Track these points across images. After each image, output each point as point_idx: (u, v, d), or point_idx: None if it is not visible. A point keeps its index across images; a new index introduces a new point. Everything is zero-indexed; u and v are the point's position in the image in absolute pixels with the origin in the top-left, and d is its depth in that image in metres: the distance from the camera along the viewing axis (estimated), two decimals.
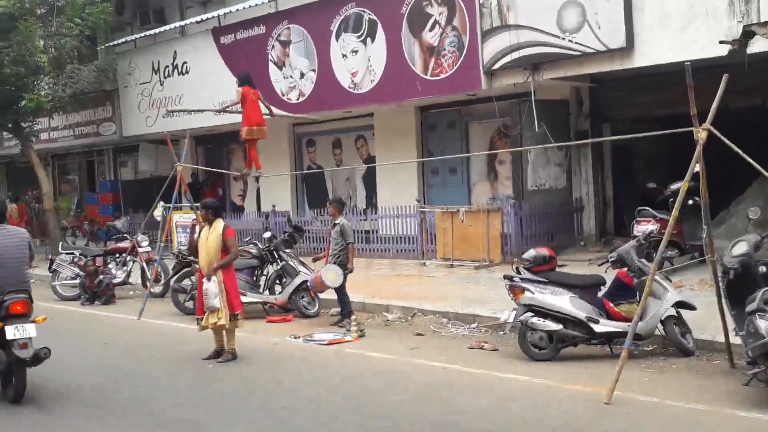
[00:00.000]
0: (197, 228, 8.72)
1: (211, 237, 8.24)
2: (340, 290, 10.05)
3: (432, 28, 13.53)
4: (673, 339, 7.48)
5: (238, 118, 12.57)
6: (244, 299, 10.67)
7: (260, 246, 11.56)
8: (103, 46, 20.62)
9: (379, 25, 14.27)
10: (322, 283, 9.95)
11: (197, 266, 10.72)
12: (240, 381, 7.34)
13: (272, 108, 12.56)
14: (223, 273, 8.18)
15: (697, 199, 7.29)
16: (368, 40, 14.48)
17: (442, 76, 13.48)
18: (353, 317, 9.72)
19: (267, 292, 11.26)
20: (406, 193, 15.52)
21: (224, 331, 8.23)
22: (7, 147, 24.09)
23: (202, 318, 8.24)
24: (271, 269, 11.51)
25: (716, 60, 10.15)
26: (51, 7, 18.57)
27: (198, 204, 10.76)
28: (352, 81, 14.85)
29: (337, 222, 10.21)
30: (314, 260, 10.96)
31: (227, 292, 8.15)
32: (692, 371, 7.01)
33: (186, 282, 11.62)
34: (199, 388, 7.16)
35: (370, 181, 17.02)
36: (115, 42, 20.11)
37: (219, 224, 8.29)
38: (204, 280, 8.15)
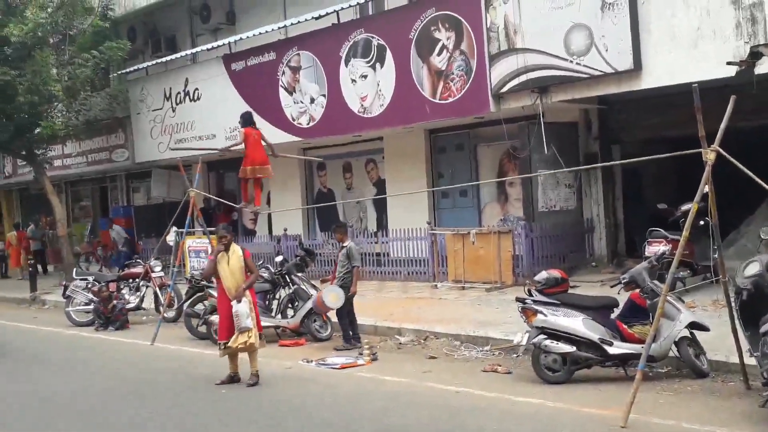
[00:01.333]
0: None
1: (233, 259, 8.41)
2: (341, 313, 10.12)
3: (440, 53, 13.66)
4: (687, 360, 7.45)
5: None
6: None
7: (272, 270, 11.61)
8: (115, 74, 20.88)
9: (388, 50, 14.42)
10: (323, 303, 10.08)
11: (210, 291, 10.83)
12: (253, 405, 7.36)
13: (274, 147, 12.85)
14: (250, 293, 8.39)
15: (708, 219, 7.29)
16: (377, 65, 14.63)
17: (451, 99, 13.58)
18: (365, 341, 9.73)
19: (279, 315, 11.29)
20: (417, 216, 15.57)
21: (249, 354, 8.27)
22: (20, 174, 24.35)
23: (225, 342, 8.26)
24: (283, 293, 11.55)
25: (724, 81, 10.20)
26: (63, 36, 18.85)
27: (212, 229, 10.86)
28: (362, 105, 14.98)
29: (344, 245, 10.30)
30: (322, 282, 11.03)
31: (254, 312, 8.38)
32: (707, 393, 6.97)
33: (199, 306, 11.67)
34: (210, 412, 7.18)
35: (380, 203, 17.09)
36: (128, 69, 20.36)
37: (237, 247, 8.55)
38: (234, 302, 8.22)
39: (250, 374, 8.23)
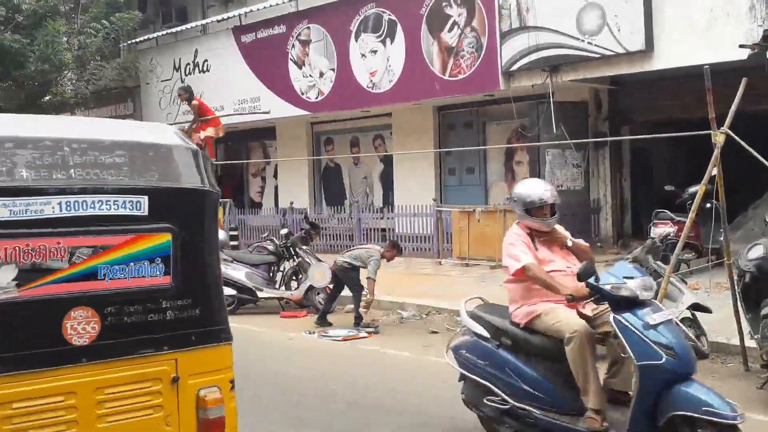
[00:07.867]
0: None
1: None
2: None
3: (451, 29, 13.57)
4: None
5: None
6: (261, 294, 10.88)
7: (277, 242, 11.66)
8: (125, 44, 20.83)
9: (399, 26, 14.34)
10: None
11: None
12: (255, 374, 7.42)
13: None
14: None
15: (714, 202, 7.28)
16: (387, 40, 14.55)
17: (461, 76, 13.52)
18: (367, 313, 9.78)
19: (283, 287, 11.37)
20: (423, 193, 15.57)
21: None
22: None
23: None
24: (287, 265, 11.61)
25: (736, 63, 10.11)
26: (75, 5, 18.80)
27: (221, 200, 10.87)
28: (371, 80, 14.93)
29: None
30: None
31: None
32: (706, 374, 6.98)
33: None
34: None
35: (387, 180, 17.09)
36: (138, 39, 20.30)
37: None
38: None
39: None
